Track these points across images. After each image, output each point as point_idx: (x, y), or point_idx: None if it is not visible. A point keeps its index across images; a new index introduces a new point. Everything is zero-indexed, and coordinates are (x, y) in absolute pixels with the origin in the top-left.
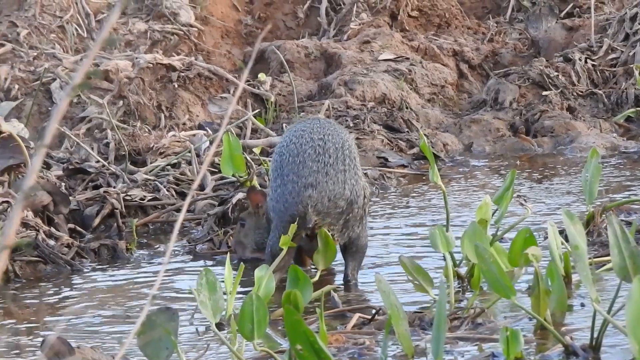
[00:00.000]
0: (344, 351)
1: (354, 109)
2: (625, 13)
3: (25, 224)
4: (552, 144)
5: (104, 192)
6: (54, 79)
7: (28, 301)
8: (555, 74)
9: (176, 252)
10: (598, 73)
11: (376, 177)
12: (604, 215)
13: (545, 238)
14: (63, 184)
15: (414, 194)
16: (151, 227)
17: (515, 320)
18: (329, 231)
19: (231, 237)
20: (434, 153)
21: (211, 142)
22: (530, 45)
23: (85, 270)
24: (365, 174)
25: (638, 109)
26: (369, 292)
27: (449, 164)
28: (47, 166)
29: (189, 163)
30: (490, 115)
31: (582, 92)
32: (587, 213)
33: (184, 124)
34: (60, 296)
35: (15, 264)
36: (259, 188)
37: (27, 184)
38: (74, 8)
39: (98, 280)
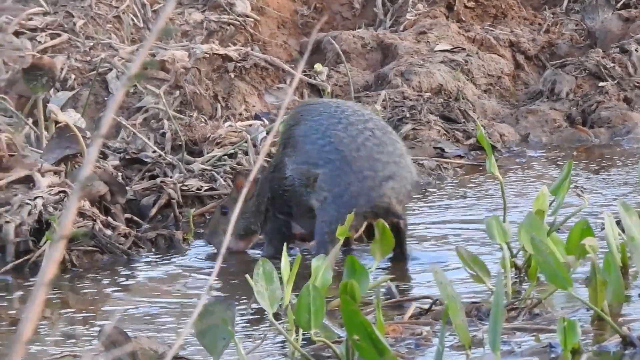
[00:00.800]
0: (401, 341)
1: (411, 100)
2: None
3: (82, 214)
4: (609, 135)
5: (161, 182)
6: (110, 69)
7: (84, 291)
8: (612, 65)
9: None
10: None
11: (433, 167)
12: None
13: (602, 229)
14: (120, 174)
15: (471, 185)
16: (208, 217)
17: (572, 311)
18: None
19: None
20: (490, 144)
21: (268, 133)
22: (587, 36)
23: (142, 260)
24: (422, 164)
25: None
26: (426, 282)
27: (506, 155)
28: (103, 156)
29: (246, 153)
30: (547, 106)
31: (638, 83)
32: None
33: (241, 114)
34: (116, 286)
35: (72, 253)
36: (245, 172)
37: (83, 174)
38: None
39: (155, 270)
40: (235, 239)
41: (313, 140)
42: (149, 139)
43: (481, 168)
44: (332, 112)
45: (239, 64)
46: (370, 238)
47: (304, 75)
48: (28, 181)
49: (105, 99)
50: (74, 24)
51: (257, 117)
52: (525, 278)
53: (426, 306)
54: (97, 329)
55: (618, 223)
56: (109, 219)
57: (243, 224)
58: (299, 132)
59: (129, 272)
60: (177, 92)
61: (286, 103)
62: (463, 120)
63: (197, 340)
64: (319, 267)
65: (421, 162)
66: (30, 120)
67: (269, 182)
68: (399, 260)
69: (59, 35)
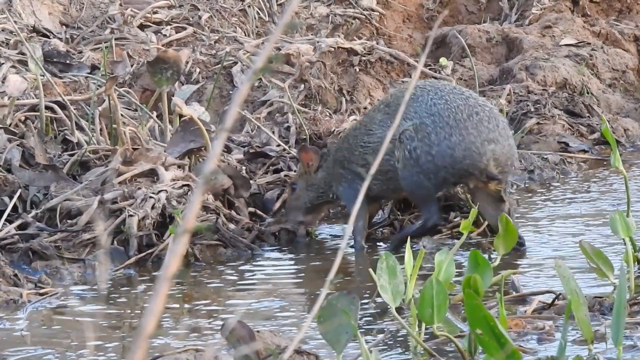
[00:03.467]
0: (524, 336)
1: (535, 94)
2: None
3: (205, 208)
4: None
5: (285, 175)
6: (235, 63)
7: (208, 285)
8: None
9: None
10: None
11: (557, 162)
12: None
13: None
14: (244, 167)
15: (595, 179)
16: (331, 211)
17: None
18: (496, 190)
19: (410, 222)
20: (614, 138)
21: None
22: None
23: (265, 254)
24: (546, 158)
25: None
26: (549, 276)
27: (630, 149)
28: (227, 150)
29: None
30: None
31: None
32: None
33: (365, 107)
34: (239, 280)
35: (195, 247)
36: (310, 146)
37: (208, 168)
38: None
39: (278, 264)
40: (304, 211)
41: (427, 99)
42: (273, 132)
43: (605, 162)
44: (451, 89)
45: (364, 58)
46: (494, 232)
47: (429, 69)
48: (152, 175)
49: (230, 92)
50: (199, 17)
51: None
52: None
53: (549, 300)
54: (221, 323)
55: None
56: (233, 212)
57: (309, 197)
58: (411, 96)
59: (252, 266)
60: (302, 86)
61: (407, 97)
62: (587, 114)
63: (319, 334)
64: (443, 261)
65: (545, 156)
66: (154, 114)
67: (348, 142)
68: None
69: (184, 28)
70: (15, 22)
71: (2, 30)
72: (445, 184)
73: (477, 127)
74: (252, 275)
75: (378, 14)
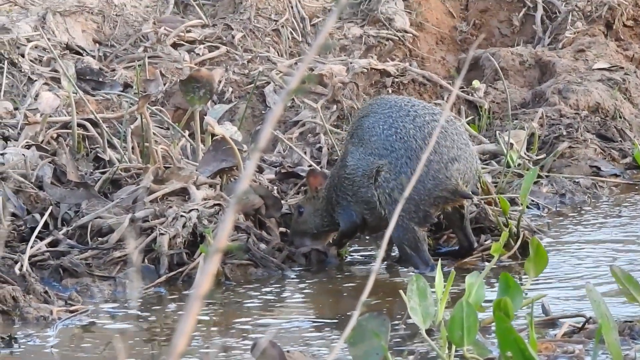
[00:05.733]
0: (554, 359)
1: (567, 118)
2: None
3: (236, 227)
4: None
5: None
6: (268, 83)
7: (238, 304)
8: None
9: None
10: None
11: (588, 185)
12: None
13: None
14: (275, 187)
15: (626, 204)
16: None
17: None
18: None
19: (439, 244)
20: None
21: None
22: None
23: (296, 274)
24: (578, 182)
25: None
26: (580, 300)
27: None
28: (259, 170)
29: None
30: None
31: None
32: None
33: None
34: (270, 299)
35: (225, 266)
36: (319, 170)
37: (240, 188)
38: (289, 12)
39: (308, 285)
40: (310, 237)
41: (379, 131)
42: (305, 153)
43: (637, 187)
44: (401, 106)
45: (397, 79)
46: (525, 255)
47: (462, 91)
48: (183, 193)
49: (262, 112)
50: (233, 37)
51: None
52: None
53: (579, 324)
54: (250, 342)
55: None
56: (264, 232)
57: (316, 223)
58: (367, 123)
59: (283, 286)
60: (335, 107)
61: (443, 119)
62: (619, 139)
63: (349, 354)
64: (473, 283)
65: (577, 180)
66: (186, 133)
67: (335, 171)
68: (462, 246)
69: (217, 47)
70: (48, 39)
71: (36, 48)
72: (427, 219)
73: (436, 150)
74: (283, 296)
75: (411, 35)
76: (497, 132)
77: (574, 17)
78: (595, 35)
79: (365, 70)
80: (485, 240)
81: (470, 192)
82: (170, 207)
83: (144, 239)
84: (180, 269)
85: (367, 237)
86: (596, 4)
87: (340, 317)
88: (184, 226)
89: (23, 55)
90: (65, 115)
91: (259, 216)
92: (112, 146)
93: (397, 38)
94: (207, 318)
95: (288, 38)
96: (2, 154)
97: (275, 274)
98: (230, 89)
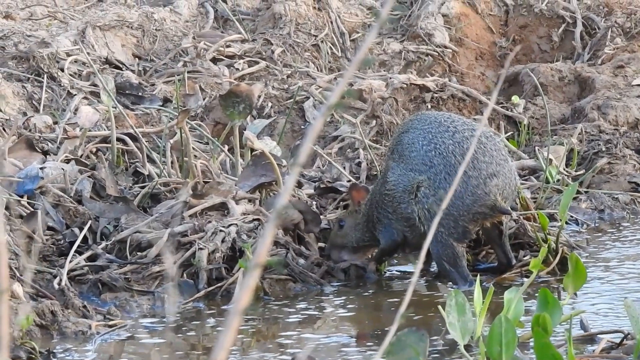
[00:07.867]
0: None
1: (607, 134)
2: None
3: (275, 242)
4: None
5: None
6: (307, 98)
7: (277, 319)
8: None
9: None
10: None
11: (627, 201)
12: None
13: None
14: (314, 202)
15: None
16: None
17: None
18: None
19: (478, 260)
20: None
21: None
22: None
23: (335, 289)
24: (617, 198)
25: None
26: (618, 316)
27: None
28: (298, 185)
29: None
30: None
31: None
32: None
33: None
34: (308, 314)
35: (264, 281)
36: (362, 184)
37: (279, 203)
38: (328, 27)
39: (347, 300)
40: (349, 251)
41: (419, 147)
42: (344, 168)
43: None
44: (441, 121)
45: (436, 95)
46: (564, 271)
47: (501, 106)
48: (222, 208)
49: (302, 127)
50: (272, 52)
51: None
52: None
53: (617, 340)
54: (289, 357)
55: None
56: (302, 247)
57: (356, 237)
58: (407, 139)
59: (322, 302)
60: (374, 122)
61: (478, 134)
62: None
63: None
64: (512, 299)
65: (615, 196)
66: (226, 147)
67: (376, 187)
68: (500, 262)
69: (257, 62)
70: (88, 53)
71: (75, 62)
72: (466, 234)
73: (475, 166)
74: (322, 311)
75: (451, 51)
76: (536, 147)
77: (614, 33)
78: (634, 51)
79: (405, 86)
80: (524, 256)
81: (509, 208)
82: (210, 221)
83: (183, 254)
84: (219, 284)
85: (407, 252)
86: (635, 20)
87: (379, 332)
88: (223, 241)
89: (62, 70)
90: (104, 130)
91: (298, 231)
92: (151, 161)
93: (437, 53)
94: (246, 333)
95: (327, 53)
96: (41, 168)
97: (314, 289)
98: (270, 104)
